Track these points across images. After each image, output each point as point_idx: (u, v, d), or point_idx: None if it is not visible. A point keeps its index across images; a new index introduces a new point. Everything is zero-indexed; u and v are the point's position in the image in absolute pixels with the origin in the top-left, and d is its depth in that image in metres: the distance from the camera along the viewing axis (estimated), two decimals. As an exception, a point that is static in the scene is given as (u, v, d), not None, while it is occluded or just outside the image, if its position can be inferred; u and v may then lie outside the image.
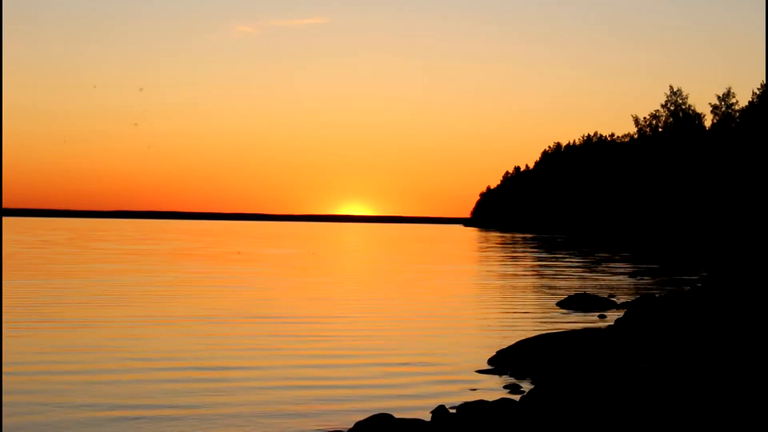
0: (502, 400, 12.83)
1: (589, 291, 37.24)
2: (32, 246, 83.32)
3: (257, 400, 15.21)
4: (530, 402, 12.30)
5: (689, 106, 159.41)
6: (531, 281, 46.16)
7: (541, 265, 62.22)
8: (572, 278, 48.33)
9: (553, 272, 54.05)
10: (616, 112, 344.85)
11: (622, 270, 57.38)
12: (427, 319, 27.98)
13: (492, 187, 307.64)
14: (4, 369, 17.32)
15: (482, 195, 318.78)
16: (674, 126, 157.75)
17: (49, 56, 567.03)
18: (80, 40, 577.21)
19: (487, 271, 55.82)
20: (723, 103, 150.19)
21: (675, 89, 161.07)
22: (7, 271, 44.34)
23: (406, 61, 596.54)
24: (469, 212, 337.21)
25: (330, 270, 55.72)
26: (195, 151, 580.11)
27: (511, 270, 55.94)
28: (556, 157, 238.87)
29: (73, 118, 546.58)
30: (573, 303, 32.39)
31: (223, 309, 29.53)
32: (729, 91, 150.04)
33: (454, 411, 13.27)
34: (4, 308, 27.18)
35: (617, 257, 77.92)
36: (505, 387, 16.59)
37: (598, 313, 29.84)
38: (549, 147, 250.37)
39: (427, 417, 13.20)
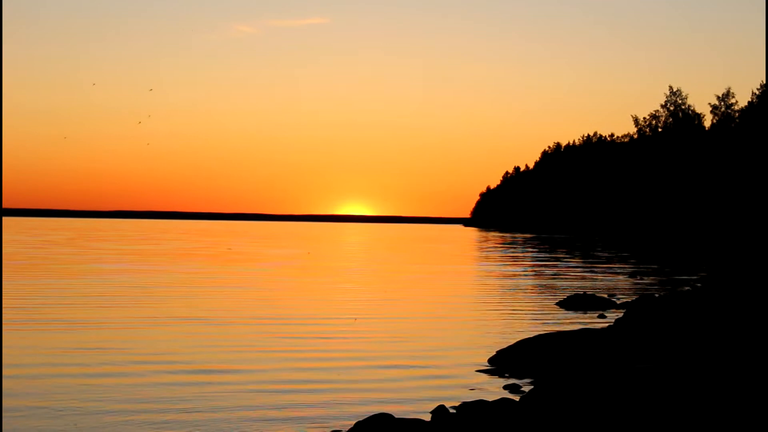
0: (502, 400, 12.83)
1: (589, 291, 37.25)
2: (32, 246, 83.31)
3: (257, 401, 15.21)
4: (530, 402, 12.30)
5: (689, 106, 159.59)
6: (531, 281, 46.17)
7: (541, 265, 62.22)
8: (572, 278, 48.33)
9: (553, 272, 54.05)
10: (616, 112, 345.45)
11: (622, 270, 57.39)
12: (427, 319, 27.98)
13: (492, 187, 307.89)
14: (4, 369, 17.31)
15: (482, 195, 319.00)
16: (674, 126, 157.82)
17: (49, 56, 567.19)
18: (80, 40, 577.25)
19: (487, 271, 55.82)
20: (723, 103, 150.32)
21: (675, 89, 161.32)
22: (7, 271, 44.33)
23: (406, 61, 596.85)
24: (469, 212, 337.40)
25: (330, 270, 55.72)
26: (195, 151, 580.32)
27: (511, 270, 55.94)
28: (556, 157, 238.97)
29: (73, 118, 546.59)
30: (573, 303, 32.40)
31: (222, 309, 29.53)
32: (729, 92, 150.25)
33: (454, 411, 13.27)
34: (4, 308, 27.17)
35: (617, 257, 77.93)
36: (505, 387, 16.59)
37: (598, 313, 29.85)
38: (549, 147, 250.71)
39: (427, 417, 13.21)
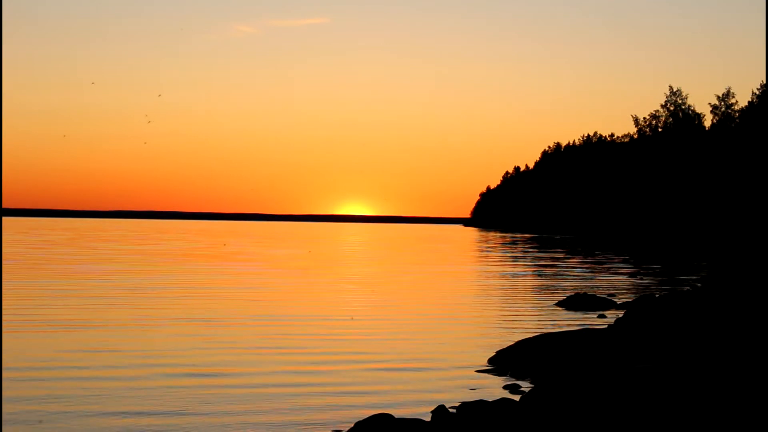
0: (502, 400, 12.83)
1: (589, 291, 37.25)
2: (32, 246, 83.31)
3: (257, 401, 15.21)
4: (530, 402, 12.31)
5: (689, 106, 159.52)
6: (531, 281, 46.18)
7: (541, 265, 62.22)
8: (572, 278, 48.34)
9: (553, 272, 54.06)
10: (616, 112, 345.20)
11: (622, 270, 57.39)
12: (427, 319, 27.98)
13: (492, 187, 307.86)
14: (4, 369, 17.31)
15: (482, 195, 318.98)
16: (674, 126, 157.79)
17: (49, 56, 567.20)
18: (80, 40, 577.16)
19: (487, 271, 55.82)
20: (723, 103, 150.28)
21: (675, 89, 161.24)
22: (7, 271, 44.32)
23: (406, 61, 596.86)
24: (469, 212, 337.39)
25: (330, 270, 55.71)
26: (195, 151, 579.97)
27: (511, 270, 55.95)
28: (556, 157, 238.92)
29: (73, 117, 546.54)
30: (573, 303, 32.40)
31: (222, 310, 29.52)
32: (729, 92, 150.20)
33: (454, 411, 13.27)
34: (4, 308, 27.16)
35: (617, 257, 77.92)
36: (505, 387, 16.60)
37: (598, 313, 29.85)
38: (549, 147, 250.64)
39: (427, 417, 13.21)
